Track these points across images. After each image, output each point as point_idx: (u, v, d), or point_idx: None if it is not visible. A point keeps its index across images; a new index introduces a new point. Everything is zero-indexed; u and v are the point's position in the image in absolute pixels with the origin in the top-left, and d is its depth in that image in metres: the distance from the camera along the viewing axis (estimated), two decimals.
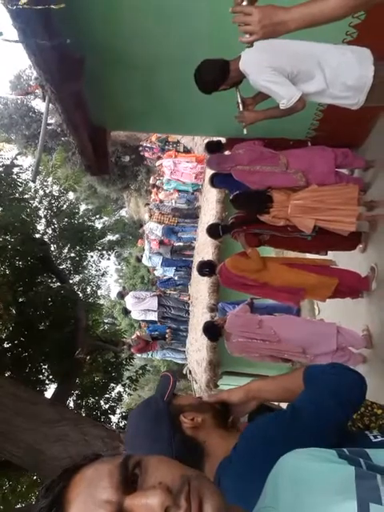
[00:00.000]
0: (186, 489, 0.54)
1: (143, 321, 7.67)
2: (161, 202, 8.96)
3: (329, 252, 4.15)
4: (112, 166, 13.39)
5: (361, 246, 3.85)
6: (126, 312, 7.73)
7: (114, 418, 5.00)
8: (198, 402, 1.07)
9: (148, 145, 11.07)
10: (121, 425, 4.88)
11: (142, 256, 9.05)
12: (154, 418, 0.98)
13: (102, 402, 4.94)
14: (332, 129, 3.72)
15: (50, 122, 12.82)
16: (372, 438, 0.95)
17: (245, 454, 0.87)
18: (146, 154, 11.73)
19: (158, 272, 9.15)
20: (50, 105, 3.23)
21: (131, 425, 1.04)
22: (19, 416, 1.70)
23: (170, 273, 9.08)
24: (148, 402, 1.05)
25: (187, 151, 10.00)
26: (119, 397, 5.08)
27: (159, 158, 10.32)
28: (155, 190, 9.41)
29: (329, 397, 0.90)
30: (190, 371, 7.79)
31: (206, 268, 4.22)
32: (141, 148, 12.17)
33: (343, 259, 4.07)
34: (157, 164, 9.43)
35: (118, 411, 5.09)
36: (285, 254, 5.21)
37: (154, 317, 7.45)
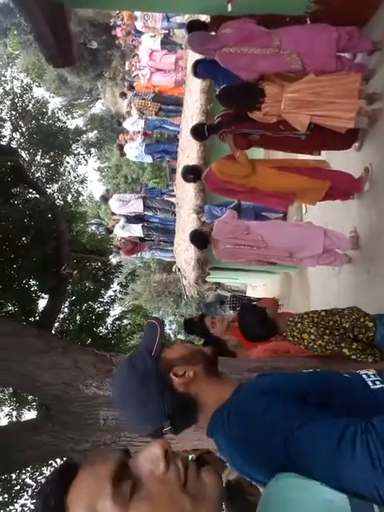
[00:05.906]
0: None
1: (129, 237, 7.59)
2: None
3: (322, 152, 3.89)
4: (80, 51, 11.78)
5: (356, 143, 3.59)
6: (109, 231, 7.59)
7: (109, 320, 5.22)
8: (189, 351, 1.00)
9: (120, 22, 9.60)
10: (115, 326, 5.12)
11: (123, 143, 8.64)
12: (142, 380, 0.92)
13: (95, 306, 5.09)
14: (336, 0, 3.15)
15: None
16: (370, 383, 0.91)
17: (238, 423, 0.84)
18: (119, 33, 10.26)
19: (131, 155, 8.75)
20: None
21: (117, 384, 0.98)
22: (7, 350, 1.70)
23: (148, 159, 8.78)
24: (133, 360, 0.97)
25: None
26: (112, 300, 5.23)
27: (133, 39, 9.09)
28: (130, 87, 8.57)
29: None
30: (179, 269, 8.03)
31: (191, 174, 3.96)
32: (112, 24, 10.63)
33: (336, 158, 3.84)
34: (132, 56, 8.38)
35: (111, 313, 5.30)
36: (274, 154, 4.89)
37: (138, 232, 7.33)
